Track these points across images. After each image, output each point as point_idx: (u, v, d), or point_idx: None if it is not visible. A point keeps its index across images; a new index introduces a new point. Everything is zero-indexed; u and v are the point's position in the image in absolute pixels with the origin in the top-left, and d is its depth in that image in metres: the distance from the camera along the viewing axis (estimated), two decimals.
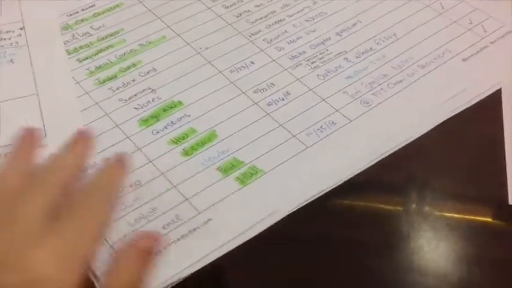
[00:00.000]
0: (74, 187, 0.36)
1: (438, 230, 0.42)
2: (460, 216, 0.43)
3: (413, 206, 0.43)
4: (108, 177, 0.38)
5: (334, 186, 0.44)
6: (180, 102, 0.49)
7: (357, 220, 0.43)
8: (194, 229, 0.41)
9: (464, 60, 0.52)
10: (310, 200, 0.43)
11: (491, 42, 0.54)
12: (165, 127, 0.47)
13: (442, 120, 0.48)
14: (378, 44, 0.54)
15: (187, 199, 0.42)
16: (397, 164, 0.45)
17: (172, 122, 0.48)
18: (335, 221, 0.43)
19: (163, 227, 0.41)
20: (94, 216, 0.34)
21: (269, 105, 0.49)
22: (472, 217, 0.43)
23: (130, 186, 0.43)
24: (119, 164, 0.39)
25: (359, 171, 0.44)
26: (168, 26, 0.56)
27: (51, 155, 0.37)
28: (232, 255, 0.40)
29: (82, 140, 0.40)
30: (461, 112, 0.48)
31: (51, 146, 0.45)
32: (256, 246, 0.41)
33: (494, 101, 0.49)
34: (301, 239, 0.42)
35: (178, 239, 0.40)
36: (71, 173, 0.37)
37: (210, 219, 0.41)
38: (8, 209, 0.33)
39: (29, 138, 0.39)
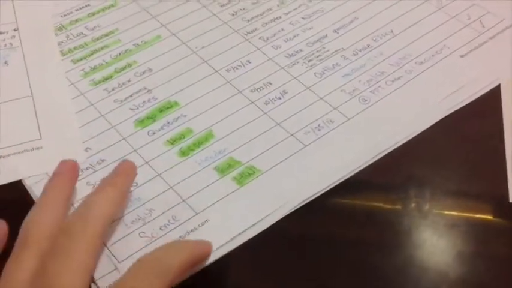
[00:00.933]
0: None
1: (438, 227, 0.41)
2: (460, 214, 0.42)
3: (413, 204, 0.43)
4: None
5: (333, 185, 0.43)
6: (176, 103, 0.49)
7: (357, 219, 0.42)
8: (192, 230, 0.40)
9: (462, 56, 0.52)
10: (308, 200, 0.42)
11: (490, 38, 0.53)
12: (162, 128, 0.47)
13: (440, 118, 0.47)
14: (375, 41, 0.53)
15: (184, 200, 0.42)
16: (396, 162, 0.45)
17: (168, 123, 0.47)
18: (334, 220, 0.42)
19: (161, 228, 0.40)
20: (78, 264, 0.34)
21: (266, 104, 0.48)
22: (472, 215, 0.42)
23: None
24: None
25: (358, 169, 0.44)
26: (163, 25, 0.55)
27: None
28: (231, 256, 0.39)
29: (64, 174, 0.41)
30: (460, 109, 0.48)
31: (45, 148, 0.45)
32: (255, 247, 0.40)
33: (493, 97, 0.48)
34: (300, 239, 0.41)
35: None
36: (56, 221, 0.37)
37: (207, 220, 0.41)
38: None
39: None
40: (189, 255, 0.36)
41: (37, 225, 0.36)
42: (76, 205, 0.41)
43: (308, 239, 0.41)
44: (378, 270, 0.39)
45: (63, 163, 0.41)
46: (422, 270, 0.39)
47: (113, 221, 0.40)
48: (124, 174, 0.41)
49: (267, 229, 0.41)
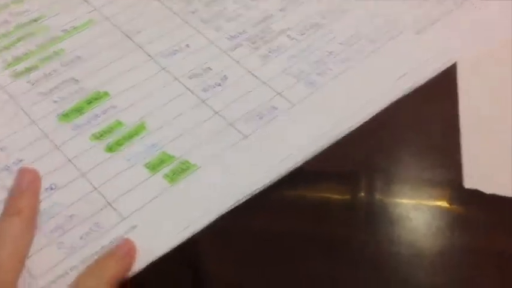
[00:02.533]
0: None
1: (391, 216, 0.39)
2: (414, 201, 0.39)
3: (364, 193, 0.40)
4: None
5: (278, 178, 0.40)
6: (106, 93, 0.45)
7: (304, 213, 0.39)
8: (116, 238, 0.36)
9: (417, 33, 0.48)
10: (249, 196, 0.39)
11: (446, 13, 0.49)
12: (88, 121, 0.43)
13: (393, 100, 0.44)
14: (324, 18, 0.49)
15: (109, 203, 0.38)
16: (345, 150, 0.41)
17: (96, 115, 0.43)
18: (279, 216, 0.39)
19: (81, 238, 0.36)
20: None
21: (205, 91, 0.44)
22: (426, 202, 0.40)
23: (46, 190, 0.38)
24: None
25: (304, 160, 0.41)
26: (96, 9, 0.51)
27: None
28: (163, 260, 0.36)
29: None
30: (414, 91, 0.44)
31: None
32: (190, 250, 0.37)
33: (449, 76, 0.45)
34: (242, 239, 0.38)
35: (97, 252, 0.36)
36: None
37: (134, 226, 0.37)
38: None
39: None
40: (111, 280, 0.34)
41: None
42: None
43: (250, 237, 0.38)
44: (328, 265, 0.36)
45: None
46: (375, 261, 0.37)
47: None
48: (28, 192, 0.37)
49: (202, 230, 0.37)
